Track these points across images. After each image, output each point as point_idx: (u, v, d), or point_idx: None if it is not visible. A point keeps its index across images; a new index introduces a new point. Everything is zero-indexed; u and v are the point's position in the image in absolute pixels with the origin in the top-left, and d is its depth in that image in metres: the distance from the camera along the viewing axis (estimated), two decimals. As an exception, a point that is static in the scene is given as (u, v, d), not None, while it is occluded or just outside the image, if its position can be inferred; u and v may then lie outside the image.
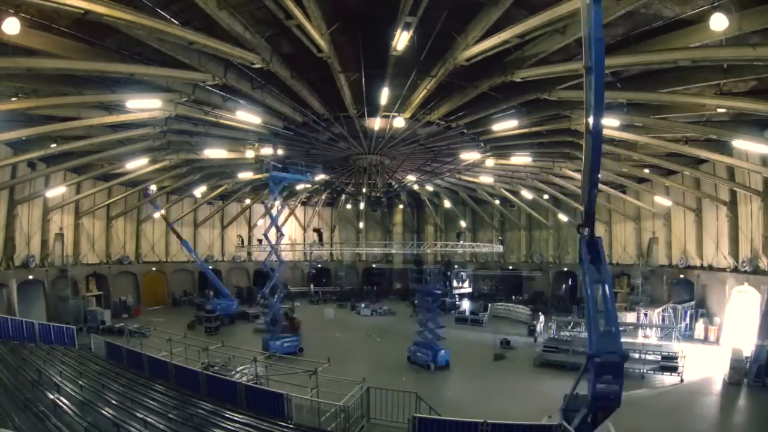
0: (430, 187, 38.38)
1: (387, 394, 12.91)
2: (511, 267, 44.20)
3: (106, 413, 10.90)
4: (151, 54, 14.93)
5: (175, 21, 12.70)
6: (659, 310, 26.35)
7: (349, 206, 47.70)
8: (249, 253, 43.78)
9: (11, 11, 10.55)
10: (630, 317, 26.20)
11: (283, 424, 11.93)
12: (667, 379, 17.72)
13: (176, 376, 15.31)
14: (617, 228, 35.44)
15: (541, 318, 27.30)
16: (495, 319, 32.99)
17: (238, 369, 16.86)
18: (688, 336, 24.61)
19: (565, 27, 12.90)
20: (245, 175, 31.79)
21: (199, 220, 41.61)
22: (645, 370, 18.38)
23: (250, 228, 45.44)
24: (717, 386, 17.01)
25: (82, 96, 17.15)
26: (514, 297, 41.37)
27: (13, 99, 16.15)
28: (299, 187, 35.89)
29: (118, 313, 31.37)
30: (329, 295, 44.52)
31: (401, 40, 12.72)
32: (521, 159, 27.22)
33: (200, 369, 15.48)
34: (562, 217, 38.02)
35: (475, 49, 13.78)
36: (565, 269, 39.85)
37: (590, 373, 9.83)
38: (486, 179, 33.74)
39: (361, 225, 50.27)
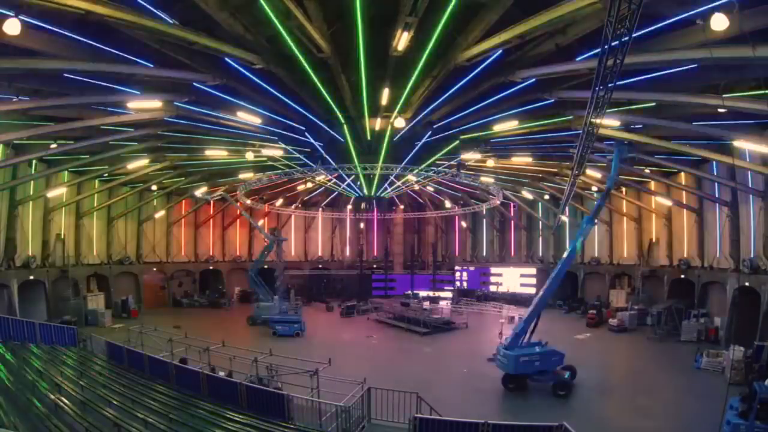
0: (430, 188, 38.30)
1: (388, 394, 12.89)
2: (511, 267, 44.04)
3: (107, 413, 10.92)
4: (151, 54, 14.95)
5: (176, 22, 12.72)
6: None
7: (349, 207, 47.63)
8: (250, 254, 43.72)
9: (12, 12, 10.55)
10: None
11: (283, 424, 11.92)
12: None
13: (177, 376, 15.32)
14: (618, 228, 35.39)
15: None
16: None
17: None
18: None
19: (565, 27, 12.90)
20: (245, 176, 31.79)
21: (199, 221, 41.63)
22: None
23: (251, 229, 45.36)
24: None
25: (83, 97, 17.17)
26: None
27: (14, 99, 16.18)
28: (300, 188, 35.84)
29: (118, 313, 31.37)
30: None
31: (401, 40, 12.73)
32: (522, 159, 27.19)
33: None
34: (563, 218, 37.91)
35: (475, 49, 13.78)
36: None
37: None
38: (486, 179, 33.67)
39: (362, 225, 50.19)
